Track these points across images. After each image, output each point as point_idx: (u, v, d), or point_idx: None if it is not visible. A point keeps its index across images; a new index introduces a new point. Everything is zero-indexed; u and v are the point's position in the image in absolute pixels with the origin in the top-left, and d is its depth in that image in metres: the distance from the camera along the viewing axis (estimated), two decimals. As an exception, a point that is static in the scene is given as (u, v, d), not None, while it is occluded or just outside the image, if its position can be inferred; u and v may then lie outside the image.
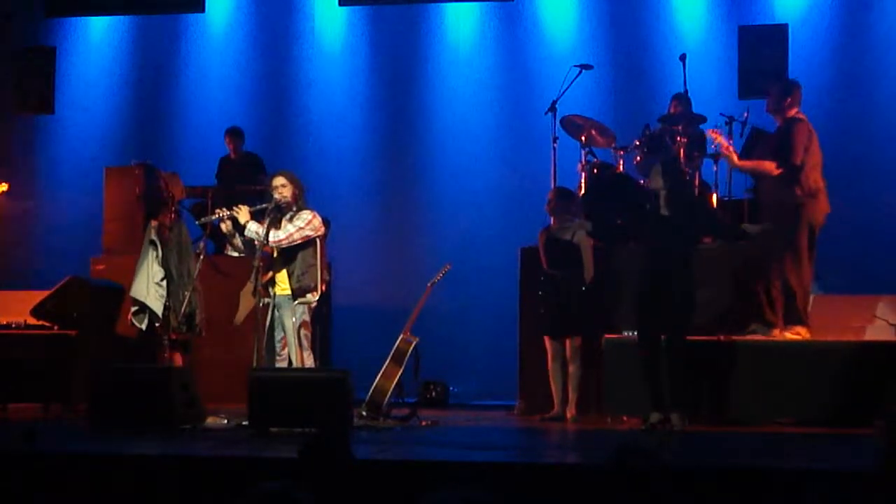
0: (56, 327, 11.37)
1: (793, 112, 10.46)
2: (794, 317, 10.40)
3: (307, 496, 3.78)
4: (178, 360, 10.70)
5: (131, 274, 10.83)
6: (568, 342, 10.70)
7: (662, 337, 9.65)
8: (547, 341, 10.77)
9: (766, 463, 7.57)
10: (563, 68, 12.18)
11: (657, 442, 8.71)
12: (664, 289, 9.57)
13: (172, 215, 10.93)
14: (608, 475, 4.52)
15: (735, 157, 10.47)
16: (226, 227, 10.05)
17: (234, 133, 13.52)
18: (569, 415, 10.62)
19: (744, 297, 10.68)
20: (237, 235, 10.00)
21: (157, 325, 10.61)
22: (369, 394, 10.29)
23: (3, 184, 12.53)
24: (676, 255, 9.62)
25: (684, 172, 10.69)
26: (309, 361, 9.88)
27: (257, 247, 9.78)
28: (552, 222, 10.95)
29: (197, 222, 10.70)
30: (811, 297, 10.63)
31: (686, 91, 11.75)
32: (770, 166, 10.36)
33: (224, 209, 10.10)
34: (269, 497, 3.75)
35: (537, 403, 10.91)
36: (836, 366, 10.01)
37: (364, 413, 10.11)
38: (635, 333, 9.96)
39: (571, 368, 10.66)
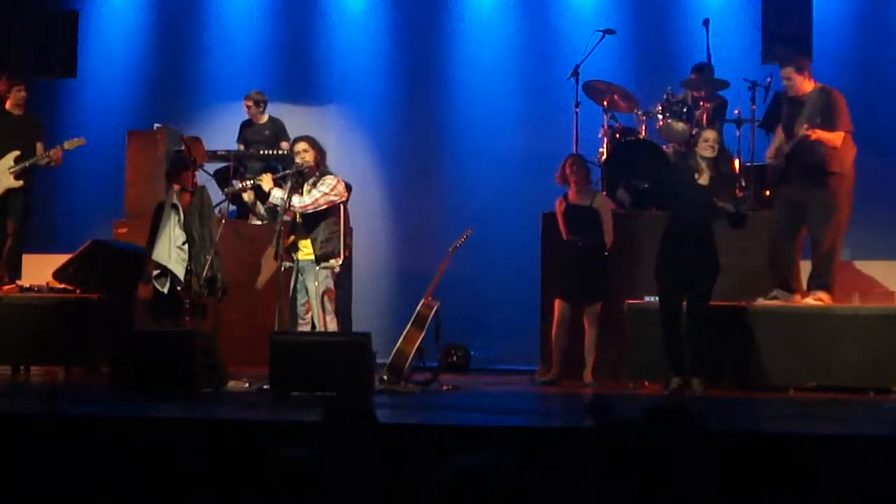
0: (78, 291, 11.41)
1: (812, 81, 10.40)
2: (820, 282, 10.35)
3: (335, 464, 3.67)
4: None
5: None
6: (587, 308, 10.72)
7: (684, 302, 9.67)
8: (558, 305, 10.78)
9: (788, 428, 7.56)
10: (586, 33, 12.14)
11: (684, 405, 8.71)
12: (689, 254, 9.58)
13: (194, 179, 10.93)
14: (640, 436, 4.42)
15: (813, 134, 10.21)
16: (248, 196, 10.07)
17: (252, 98, 13.36)
18: (586, 379, 10.67)
19: (766, 263, 10.64)
20: (258, 204, 10.01)
21: (179, 288, 10.62)
22: (390, 358, 10.29)
23: (81, 139, 12.37)
24: (701, 220, 9.63)
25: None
26: (332, 326, 9.91)
27: (280, 213, 9.80)
28: (570, 190, 10.93)
29: (223, 192, 10.72)
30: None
31: (709, 57, 11.68)
32: (839, 137, 10.23)
33: (247, 180, 10.12)
34: (295, 468, 3.63)
35: (560, 368, 10.89)
36: (858, 332, 9.99)
37: (385, 377, 10.11)
38: (656, 299, 9.96)
39: (591, 334, 10.70)
